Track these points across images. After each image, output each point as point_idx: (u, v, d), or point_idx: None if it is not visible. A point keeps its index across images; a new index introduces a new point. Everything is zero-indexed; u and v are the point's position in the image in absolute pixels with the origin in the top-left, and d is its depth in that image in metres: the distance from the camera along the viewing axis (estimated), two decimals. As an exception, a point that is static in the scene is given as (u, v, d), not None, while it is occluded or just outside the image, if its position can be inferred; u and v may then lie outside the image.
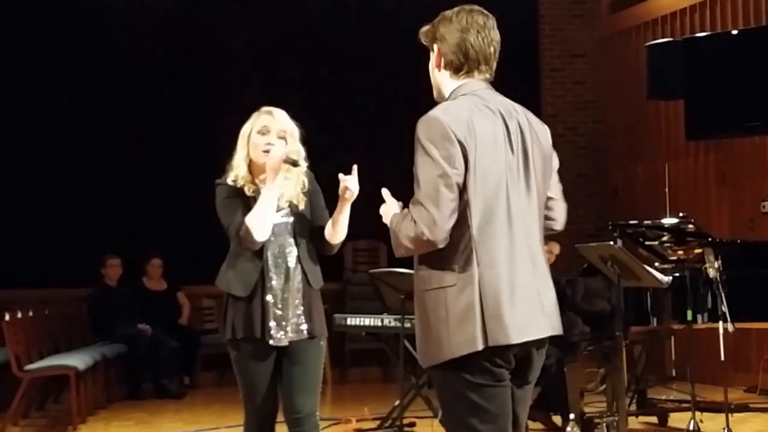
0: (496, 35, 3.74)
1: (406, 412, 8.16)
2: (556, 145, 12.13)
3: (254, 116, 5.05)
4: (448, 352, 3.47)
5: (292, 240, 4.92)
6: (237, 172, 4.96)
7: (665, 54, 10.31)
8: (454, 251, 3.48)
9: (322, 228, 4.96)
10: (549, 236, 8.46)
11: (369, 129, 12.35)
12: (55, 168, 12.47)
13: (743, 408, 8.71)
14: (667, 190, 11.58)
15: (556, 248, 8.54)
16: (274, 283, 4.87)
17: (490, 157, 3.50)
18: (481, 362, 3.46)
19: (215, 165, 13.42)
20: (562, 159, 12.98)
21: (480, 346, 3.43)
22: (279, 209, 4.91)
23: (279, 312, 4.86)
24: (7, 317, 9.28)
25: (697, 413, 7.61)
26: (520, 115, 3.70)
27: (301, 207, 4.94)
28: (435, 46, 3.69)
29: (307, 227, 4.96)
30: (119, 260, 11.91)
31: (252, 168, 4.99)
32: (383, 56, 12.21)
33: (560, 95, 13.38)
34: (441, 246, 3.45)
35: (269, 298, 4.85)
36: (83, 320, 11.70)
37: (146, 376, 11.43)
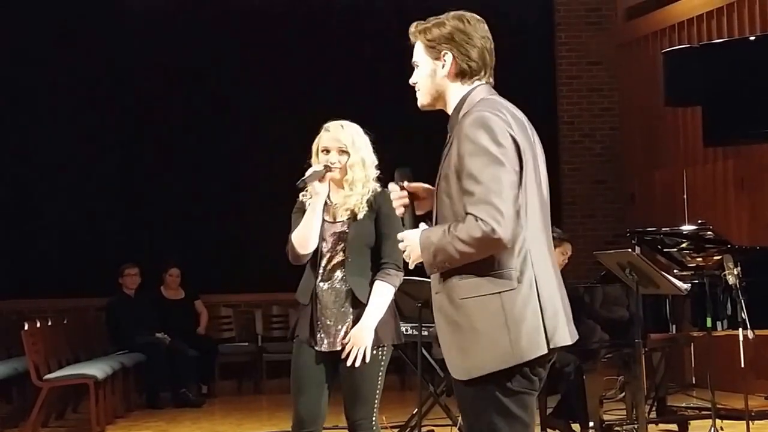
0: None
1: (424, 420, 8.15)
2: (573, 152, 12.25)
3: (321, 132, 5.06)
4: (513, 357, 3.36)
5: (343, 251, 5.00)
6: (309, 186, 5.00)
7: (682, 60, 10.29)
8: (510, 253, 3.38)
9: (380, 257, 5.00)
10: (563, 238, 8.46)
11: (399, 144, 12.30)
12: (74, 178, 12.53)
13: (764, 415, 8.66)
14: (685, 196, 11.55)
15: (568, 249, 8.50)
16: (323, 292, 5.01)
17: (530, 159, 3.46)
18: (523, 368, 3.39)
19: (233, 175, 13.50)
20: (580, 166, 13.11)
21: (545, 349, 3.38)
22: (336, 220, 5.01)
23: (327, 320, 5.00)
24: (26, 327, 9.32)
25: (718, 421, 7.57)
26: (523, 115, 3.61)
27: (360, 216, 4.98)
28: (445, 53, 3.52)
29: (363, 240, 4.99)
30: (137, 269, 11.94)
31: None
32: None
33: (577, 102, 13.37)
34: (509, 246, 3.34)
35: (319, 306, 5.00)
36: (102, 329, 11.75)
37: (164, 385, 11.45)
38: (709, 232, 7.99)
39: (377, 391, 5.03)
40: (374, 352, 4.95)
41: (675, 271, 7.99)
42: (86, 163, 12.57)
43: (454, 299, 3.42)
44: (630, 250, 7.47)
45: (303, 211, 5.01)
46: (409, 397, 10.17)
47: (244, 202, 12.18)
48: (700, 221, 8.48)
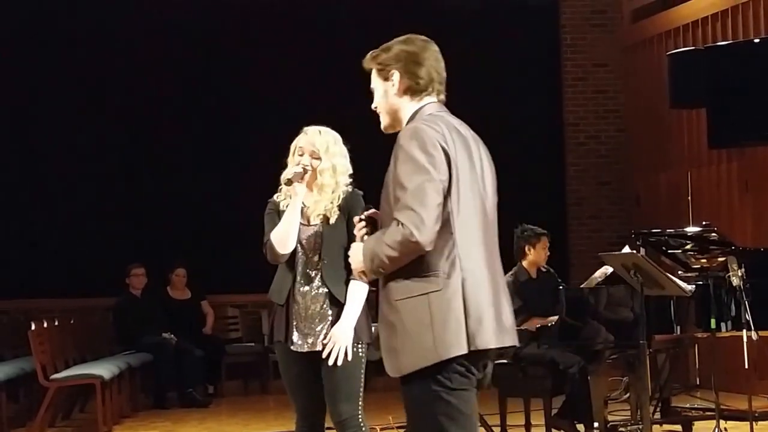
0: (443, 62, 3.81)
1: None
2: (578, 153, 12.28)
3: (299, 135, 5.21)
4: (435, 355, 3.57)
5: (318, 254, 5.11)
6: (282, 187, 5.18)
7: (687, 62, 10.32)
8: (438, 257, 3.59)
9: None
10: (539, 233, 8.46)
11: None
12: (81, 178, 12.57)
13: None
14: (689, 198, 11.56)
15: (547, 243, 8.50)
16: (299, 293, 5.11)
17: (467, 171, 3.65)
18: (460, 367, 3.60)
19: (239, 176, 13.55)
20: (585, 167, 13.10)
21: (465, 350, 3.57)
22: (311, 223, 5.13)
23: (303, 320, 5.09)
24: (33, 327, 9.36)
25: (722, 421, 7.60)
26: (471, 133, 3.81)
27: (332, 221, 5.10)
28: (394, 72, 3.74)
29: (337, 242, 5.10)
30: (144, 269, 11.97)
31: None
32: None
33: (582, 104, 13.39)
34: (428, 249, 3.54)
35: (295, 307, 5.10)
36: (108, 329, 11.79)
37: (171, 385, 11.47)
38: (713, 234, 8.01)
39: (361, 388, 5.15)
40: (354, 349, 5.08)
41: (679, 272, 8.02)
42: (92, 163, 12.60)
43: (390, 301, 3.65)
44: (635, 251, 7.50)
45: (276, 212, 5.15)
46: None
47: (252, 202, 12.14)
48: (704, 223, 8.51)
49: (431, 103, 3.75)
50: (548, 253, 8.47)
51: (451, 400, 3.61)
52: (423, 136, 3.58)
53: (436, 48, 3.78)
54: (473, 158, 3.71)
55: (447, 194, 3.57)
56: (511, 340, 3.74)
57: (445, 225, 3.58)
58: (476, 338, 3.59)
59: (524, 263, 8.32)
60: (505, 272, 8.34)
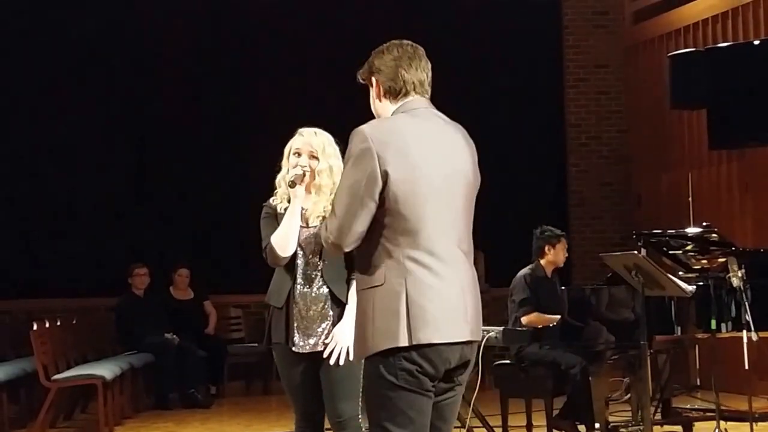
0: (426, 64, 3.91)
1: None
2: (580, 154, 12.29)
3: (293, 137, 5.26)
4: (371, 346, 3.67)
5: (319, 255, 5.13)
6: (280, 191, 5.23)
7: (688, 64, 10.33)
8: (382, 253, 3.69)
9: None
10: (559, 235, 8.54)
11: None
12: (83, 178, 12.59)
13: (768, 417, 8.71)
14: (690, 199, 11.57)
15: (565, 245, 8.59)
16: (300, 294, 5.14)
17: (417, 167, 3.69)
18: (405, 364, 3.64)
19: (241, 176, 13.55)
20: (586, 168, 13.11)
21: (402, 342, 3.62)
22: (309, 225, 5.15)
23: (304, 322, 5.12)
24: (35, 327, 9.37)
25: (722, 422, 7.61)
26: (450, 126, 3.89)
27: None
28: (373, 79, 3.90)
29: None
30: (146, 270, 11.98)
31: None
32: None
33: (584, 105, 13.41)
34: (347, 249, 3.73)
35: (295, 308, 5.12)
36: (111, 330, 11.78)
37: (173, 386, 11.47)
38: (714, 235, 8.03)
39: (361, 388, 5.14)
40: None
41: (680, 273, 8.03)
42: (95, 163, 12.62)
43: (357, 292, 3.81)
44: (636, 252, 7.52)
45: (274, 215, 5.20)
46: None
47: (254, 202, 12.16)
48: (705, 224, 8.52)
49: (410, 100, 3.85)
50: (567, 255, 8.58)
51: (392, 397, 3.65)
52: (356, 138, 3.71)
53: (412, 52, 3.88)
54: (440, 148, 3.76)
55: (384, 196, 3.66)
56: (469, 333, 3.73)
57: (388, 222, 3.68)
58: (417, 333, 3.61)
59: (542, 261, 8.39)
60: (519, 270, 8.34)
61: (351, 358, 5.00)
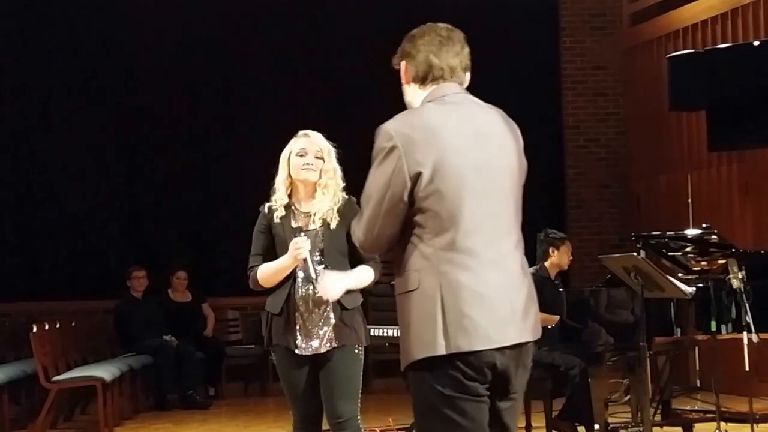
0: (461, 48, 3.71)
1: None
2: (578, 156, 12.30)
3: (293, 140, 5.30)
4: (410, 355, 3.46)
5: (320, 259, 5.17)
6: (277, 196, 5.25)
7: (687, 65, 10.33)
8: (416, 255, 3.48)
9: (359, 262, 5.20)
10: (563, 237, 8.58)
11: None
12: (82, 181, 12.59)
13: (768, 418, 8.72)
14: (689, 200, 11.58)
15: (570, 247, 8.61)
16: (301, 297, 5.17)
17: (450, 160, 3.46)
18: (450, 372, 3.40)
19: (239, 179, 13.55)
20: (585, 170, 13.12)
21: (439, 351, 3.39)
22: (308, 228, 5.18)
23: (306, 325, 5.15)
24: (35, 329, 9.39)
25: (722, 424, 7.62)
26: (487, 110, 3.69)
27: (333, 226, 5.17)
28: (402, 64, 3.70)
29: (338, 248, 5.18)
30: (145, 272, 11.98)
31: (292, 188, 5.26)
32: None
33: (582, 107, 13.41)
34: (379, 253, 3.62)
35: (297, 312, 5.15)
36: (110, 332, 11.79)
37: (172, 387, 11.47)
38: (713, 236, 8.03)
39: (359, 389, 5.21)
40: (356, 350, 5.17)
41: (680, 274, 8.04)
42: (94, 166, 12.63)
43: (396, 296, 3.58)
44: (635, 253, 7.52)
45: (268, 226, 5.22)
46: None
47: (252, 205, 12.18)
48: (704, 225, 8.53)
49: (439, 87, 3.63)
50: (571, 258, 8.58)
51: (439, 405, 3.42)
52: (383, 136, 3.51)
53: (446, 35, 3.68)
54: (477, 140, 3.53)
55: (413, 196, 3.45)
56: (517, 334, 3.46)
57: (421, 223, 3.46)
58: (456, 341, 3.38)
59: (546, 264, 8.40)
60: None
61: (332, 299, 5.02)
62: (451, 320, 3.39)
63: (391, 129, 3.50)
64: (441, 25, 3.72)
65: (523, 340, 3.50)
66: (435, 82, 3.64)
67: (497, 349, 3.43)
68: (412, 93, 3.68)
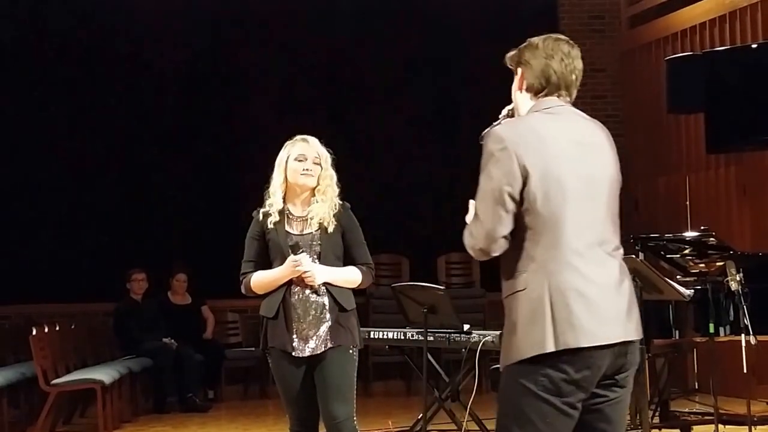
0: (579, 64, 3.78)
1: (429, 425, 8.21)
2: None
3: (289, 144, 5.34)
4: (516, 354, 3.52)
5: (317, 260, 5.21)
6: (272, 200, 5.29)
7: (685, 68, 10.35)
8: (523, 256, 3.56)
9: (352, 263, 5.29)
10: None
11: (397, 153, 12.31)
12: (82, 183, 12.60)
13: (766, 420, 8.70)
14: (688, 203, 11.59)
15: None
16: (298, 300, 5.21)
17: (555, 165, 3.57)
18: (549, 371, 3.47)
19: (239, 181, 13.57)
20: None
21: (549, 348, 3.46)
22: (304, 232, 5.23)
23: (303, 327, 5.19)
24: (34, 332, 9.40)
25: (720, 426, 7.63)
26: (590, 123, 3.79)
27: (330, 230, 5.21)
28: (519, 70, 3.77)
29: (334, 252, 5.24)
30: (144, 275, 11.99)
31: (288, 193, 5.30)
32: (413, 81, 12.18)
33: (580, 109, 13.33)
34: (495, 254, 3.57)
35: (294, 314, 5.20)
36: (109, 334, 11.80)
37: (171, 390, 11.48)
38: (711, 239, 8.03)
39: (354, 390, 5.25)
40: (351, 351, 5.22)
41: (678, 277, 8.05)
42: (93, 168, 12.63)
43: (503, 299, 3.65)
44: (633, 255, 7.53)
45: (261, 232, 5.28)
46: (415, 403, 10.23)
47: (251, 208, 12.18)
48: (702, 227, 8.54)
49: (547, 99, 3.72)
50: None
51: (524, 404, 3.49)
52: (494, 139, 3.59)
53: (567, 51, 3.75)
54: (578, 149, 3.63)
55: (523, 198, 3.54)
56: (622, 333, 3.55)
57: (528, 226, 3.55)
58: (564, 337, 3.46)
59: None
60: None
61: (316, 282, 5.11)
62: (558, 318, 3.48)
63: (502, 132, 3.60)
64: (563, 38, 3.80)
65: (628, 339, 3.58)
66: (547, 95, 3.73)
67: (603, 348, 3.51)
68: (522, 100, 3.77)
